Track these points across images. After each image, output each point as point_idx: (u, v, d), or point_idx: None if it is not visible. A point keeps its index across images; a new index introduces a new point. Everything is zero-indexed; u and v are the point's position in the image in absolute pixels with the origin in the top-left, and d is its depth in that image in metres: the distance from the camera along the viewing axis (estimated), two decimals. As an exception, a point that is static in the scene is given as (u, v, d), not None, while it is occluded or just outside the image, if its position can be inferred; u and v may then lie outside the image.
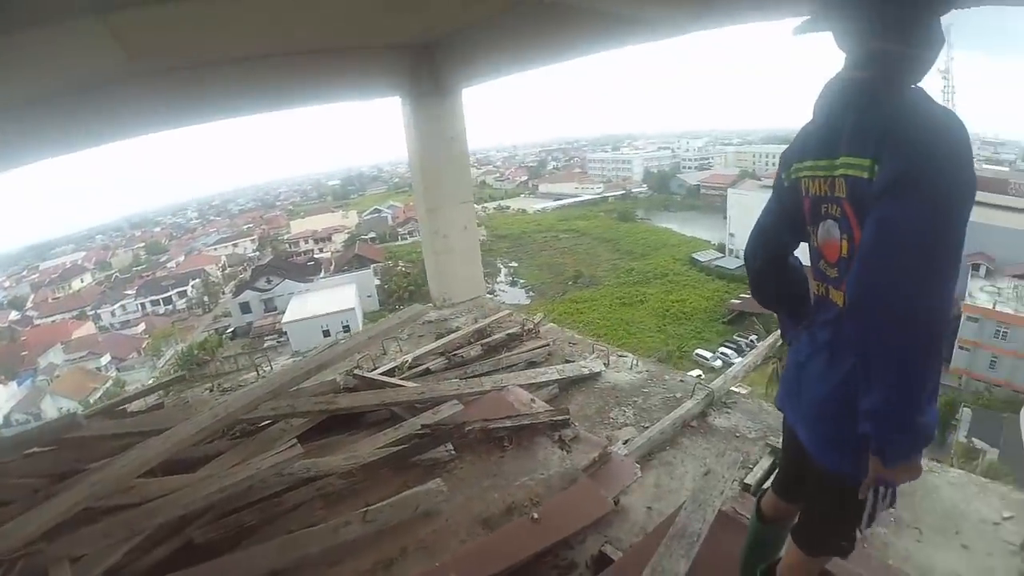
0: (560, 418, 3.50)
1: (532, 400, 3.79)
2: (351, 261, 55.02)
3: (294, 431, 3.59)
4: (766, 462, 3.39)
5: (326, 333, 36.65)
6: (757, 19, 3.28)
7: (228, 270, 68.39)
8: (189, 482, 3.14)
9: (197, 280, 61.20)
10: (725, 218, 54.48)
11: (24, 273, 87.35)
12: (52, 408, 39.14)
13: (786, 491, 2.01)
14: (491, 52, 5.44)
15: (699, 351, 34.92)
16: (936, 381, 1.37)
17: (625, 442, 3.60)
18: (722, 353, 34.13)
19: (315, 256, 65.85)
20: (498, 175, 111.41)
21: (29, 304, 67.03)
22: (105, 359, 46.05)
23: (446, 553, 2.69)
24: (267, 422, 3.79)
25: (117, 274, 77.13)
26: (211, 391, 5.46)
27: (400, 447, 3.37)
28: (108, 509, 2.94)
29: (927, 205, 1.23)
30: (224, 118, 5.96)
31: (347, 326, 37.44)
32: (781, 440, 2.23)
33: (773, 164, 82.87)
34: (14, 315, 62.78)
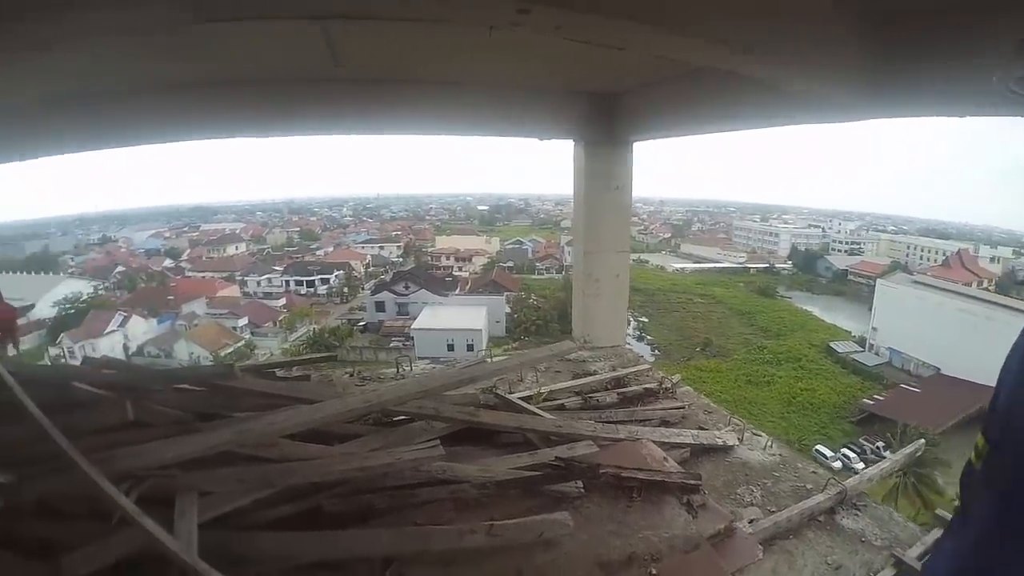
0: (692, 482, 3.45)
1: (665, 458, 3.75)
2: (487, 285, 56.72)
3: (434, 433, 3.71)
4: (888, 572, 3.19)
5: (450, 347, 38.20)
6: (939, 113, 3.10)
7: (371, 269, 72.42)
8: (328, 453, 3.33)
9: (341, 272, 65.21)
10: (870, 309, 50.35)
11: (186, 229, 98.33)
12: (184, 351, 42.82)
13: None
14: (666, 110, 5.51)
15: (819, 447, 32.42)
16: None
17: (751, 521, 3.49)
18: (843, 454, 31.63)
19: (454, 273, 68.71)
20: (642, 228, 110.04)
21: (184, 257, 74.77)
22: (242, 321, 49.75)
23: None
24: (404, 418, 3.93)
25: (269, 250, 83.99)
26: (351, 376, 5.79)
27: (534, 473, 3.44)
28: (247, 457, 3.13)
29: None
30: (416, 134, 6.38)
31: (471, 345, 38.81)
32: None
33: (928, 259, 76.71)
34: (168, 263, 70.42)
